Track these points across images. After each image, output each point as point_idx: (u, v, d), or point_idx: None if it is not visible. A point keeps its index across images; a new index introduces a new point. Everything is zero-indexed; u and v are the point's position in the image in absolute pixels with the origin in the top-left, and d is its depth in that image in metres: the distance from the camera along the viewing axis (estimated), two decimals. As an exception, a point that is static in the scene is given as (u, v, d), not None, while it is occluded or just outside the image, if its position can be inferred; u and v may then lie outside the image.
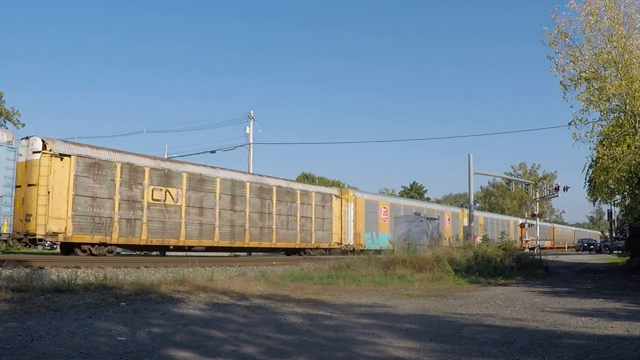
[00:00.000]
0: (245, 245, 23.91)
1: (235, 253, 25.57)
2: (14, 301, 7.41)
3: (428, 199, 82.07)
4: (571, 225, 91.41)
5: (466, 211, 44.61)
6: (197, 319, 6.94)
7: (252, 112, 37.33)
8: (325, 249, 29.06)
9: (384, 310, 8.63)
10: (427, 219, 26.07)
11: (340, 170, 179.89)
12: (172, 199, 20.71)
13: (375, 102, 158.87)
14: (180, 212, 20.91)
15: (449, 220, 41.00)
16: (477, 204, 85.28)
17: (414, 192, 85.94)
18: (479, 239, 29.81)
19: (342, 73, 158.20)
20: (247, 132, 37.06)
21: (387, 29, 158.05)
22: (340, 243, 29.64)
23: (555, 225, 71.04)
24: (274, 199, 25.31)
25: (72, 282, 9.18)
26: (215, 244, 22.40)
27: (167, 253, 23.73)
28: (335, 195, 29.86)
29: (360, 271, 14.54)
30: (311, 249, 27.47)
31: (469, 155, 30.31)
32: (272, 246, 25.29)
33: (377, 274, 14.29)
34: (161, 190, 20.39)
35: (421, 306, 9.20)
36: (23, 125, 42.91)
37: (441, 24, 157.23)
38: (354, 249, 29.98)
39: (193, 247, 21.81)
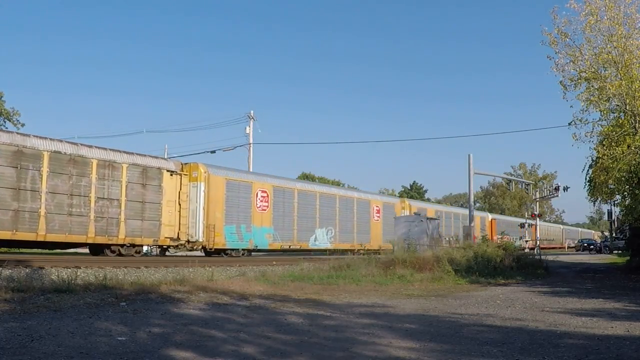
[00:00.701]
0: None
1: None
2: (14, 301, 7.41)
3: (429, 199, 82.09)
4: (571, 225, 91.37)
5: (407, 202, 38.33)
6: (197, 319, 6.94)
7: (252, 112, 37.43)
8: (156, 247, 22.32)
9: (384, 310, 8.64)
10: (427, 219, 25.97)
11: (340, 170, 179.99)
12: None
13: (375, 103, 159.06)
14: None
15: (377, 212, 33.26)
16: (477, 204, 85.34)
17: (414, 192, 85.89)
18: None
19: (342, 73, 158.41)
20: (247, 132, 37.13)
21: (387, 30, 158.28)
22: (177, 238, 21.42)
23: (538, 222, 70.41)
24: (45, 169, 17.37)
25: (72, 282, 9.20)
26: None
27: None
28: (170, 171, 21.32)
29: (360, 271, 14.56)
30: (120, 245, 19.44)
31: (469, 155, 30.11)
32: (40, 239, 17.42)
33: (377, 274, 14.31)
34: None
35: (421, 306, 9.21)
36: (23, 125, 42.91)
37: (440, 25, 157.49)
38: (204, 247, 22.44)
39: None
